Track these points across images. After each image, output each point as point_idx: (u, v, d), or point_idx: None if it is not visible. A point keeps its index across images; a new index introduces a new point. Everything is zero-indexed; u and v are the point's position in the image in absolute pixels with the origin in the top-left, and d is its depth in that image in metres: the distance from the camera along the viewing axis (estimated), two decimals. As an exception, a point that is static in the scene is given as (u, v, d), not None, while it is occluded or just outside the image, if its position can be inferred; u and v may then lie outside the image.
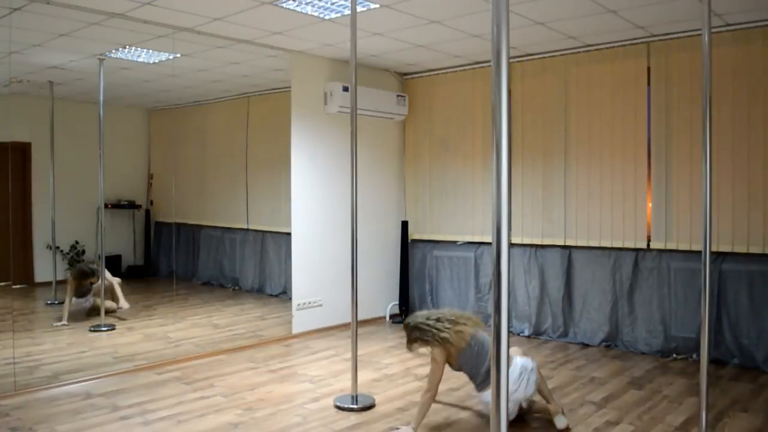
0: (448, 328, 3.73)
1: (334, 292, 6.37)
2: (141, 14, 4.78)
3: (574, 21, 4.99)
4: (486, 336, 3.83)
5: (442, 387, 4.51)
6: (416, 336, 3.81)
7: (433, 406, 4.14)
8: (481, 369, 3.75)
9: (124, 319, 6.26)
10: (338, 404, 4.16)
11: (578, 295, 5.90)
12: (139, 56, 5.95)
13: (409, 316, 4.00)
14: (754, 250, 4.97)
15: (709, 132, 3.07)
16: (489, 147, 6.17)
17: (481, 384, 3.78)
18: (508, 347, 1.50)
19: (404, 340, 4.01)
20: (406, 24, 5.09)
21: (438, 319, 3.78)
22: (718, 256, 5.07)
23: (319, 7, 4.70)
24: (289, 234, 6.21)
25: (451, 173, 6.82)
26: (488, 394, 3.68)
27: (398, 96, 6.89)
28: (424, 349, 3.89)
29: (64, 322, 6.02)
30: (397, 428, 3.73)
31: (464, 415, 4.02)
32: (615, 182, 5.67)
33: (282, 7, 4.64)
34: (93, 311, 6.22)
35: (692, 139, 5.22)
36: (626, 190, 5.62)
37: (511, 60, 5.90)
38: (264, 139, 7.38)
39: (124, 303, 6.24)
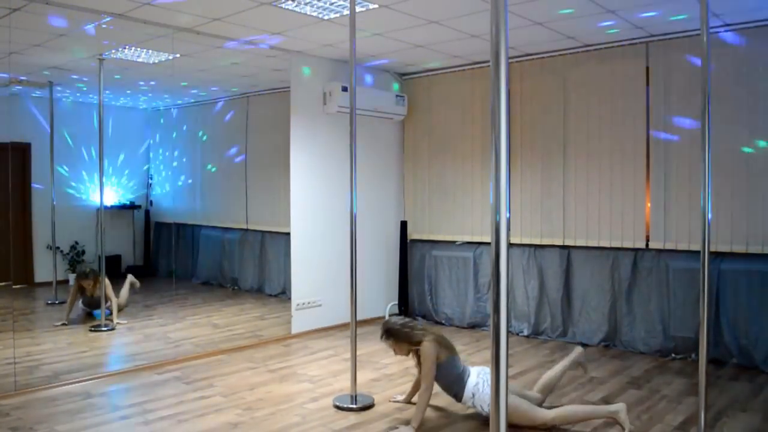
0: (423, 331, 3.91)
1: (333, 292, 6.37)
2: (141, 14, 4.79)
3: (573, 21, 5.00)
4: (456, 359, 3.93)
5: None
6: (397, 337, 3.91)
7: (432, 405, 4.15)
8: (457, 384, 3.83)
9: (123, 323, 6.27)
10: (337, 404, 4.17)
11: (577, 295, 5.91)
12: (138, 56, 5.96)
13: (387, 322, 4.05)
14: (753, 250, 4.98)
15: (708, 131, 3.08)
16: (488, 147, 6.15)
17: (457, 394, 3.86)
18: (507, 347, 1.51)
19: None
20: (405, 24, 5.09)
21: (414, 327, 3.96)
22: (717, 256, 5.08)
23: (318, 8, 4.70)
24: (288, 234, 6.22)
25: (451, 173, 6.83)
26: (475, 398, 3.79)
27: (397, 96, 6.90)
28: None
29: (64, 321, 6.03)
30: (396, 428, 3.74)
31: (464, 415, 4.03)
32: (614, 182, 5.68)
33: (281, 7, 4.65)
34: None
35: (691, 139, 5.23)
36: (625, 190, 5.62)
37: (510, 60, 5.92)
38: (263, 139, 7.39)
39: (115, 317, 6.20)
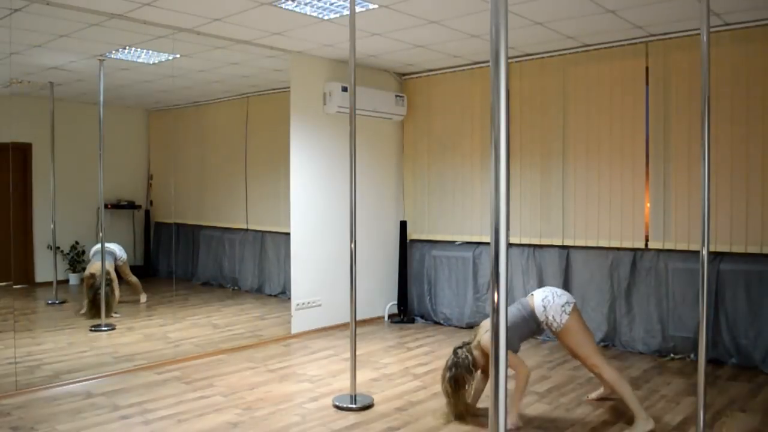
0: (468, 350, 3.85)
1: (333, 292, 6.38)
2: (141, 15, 4.79)
3: (572, 21, 5.01)
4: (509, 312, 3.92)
5: (440, 387, 4.54)
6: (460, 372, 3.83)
7: (433, 406, 4.16)
8: (531, 320, 3.86)
9: (116, 315, 6.32)
10: (337, 404, 4.17)
11: (576, 295, 5.88)
12: (138, 57, 5.97)
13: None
14: (752, 250, 4.98)
15: (708, 132, 3.08)
16: (488, 147, 6.17)
17: (539, 326, 3.89)
18: (507, 348, 1.52)
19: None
20: (404, 24, 5.10)
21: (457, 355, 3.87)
22: (716, 256, 5.09)
23: (318, 8, 4.71)
24: (288, 234, 6.22)
25: (450, 173, 6.84)
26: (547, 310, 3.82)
27: (397, 96, 6.91)
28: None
29: (83, 312, 6.12)
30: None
31: (463, 414, 4.03)
32: (613, 182, 5.69)
33: (281, 7, 4.65)
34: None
35: (690, 139, 5.23)
36: (624, 190, 5.63)
37: (509, 60, 5.92)
38: (263, 140, 7.40)
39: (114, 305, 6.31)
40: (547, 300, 3.82)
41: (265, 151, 7.38)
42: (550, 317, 3.79)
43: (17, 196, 6.05)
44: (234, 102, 7.67)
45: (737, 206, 5.04)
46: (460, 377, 3.77)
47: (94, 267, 6.24)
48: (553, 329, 3.82)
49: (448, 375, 3.81)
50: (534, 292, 3.98)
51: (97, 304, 6.14)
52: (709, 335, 4.70)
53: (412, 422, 3.87)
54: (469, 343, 3.88)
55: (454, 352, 3.88)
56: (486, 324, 3.88)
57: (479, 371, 3.90)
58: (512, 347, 3.86)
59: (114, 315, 6.25)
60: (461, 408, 3.87)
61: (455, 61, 6.49)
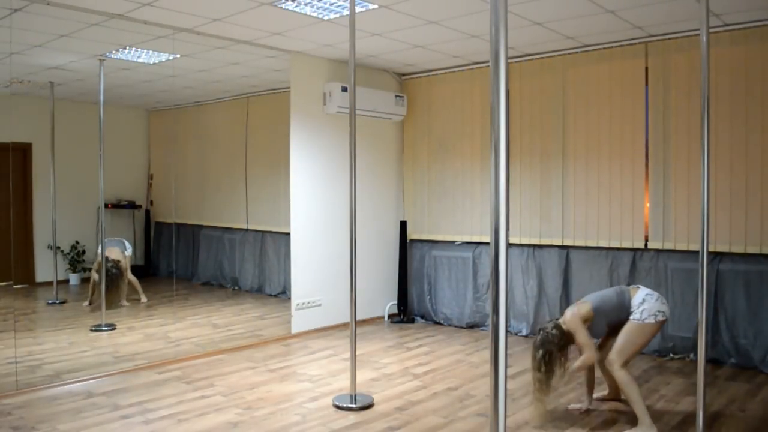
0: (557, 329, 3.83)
1: (333, 292, 6.39)
2: (141, 15, 4.80)
3: (572, 21, 5.01)
4: (603, 293, 3.96)
5: (440, 386, 4.55)
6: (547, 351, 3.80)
7: (431, 404, 4.17)
8: (620, 309, 3.85)
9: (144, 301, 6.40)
10: (337, 403, 4.18)
11: (576, 295, 5.90)
12: (139, 57, 5.97)
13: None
14: (751, 250, 4.99)
15: (707, 132, 3.09)
16: (487, 147, 6.19)
17: (624, 316, 3.86)
18: (506, 347, 1.52)
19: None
20: (404, 24, 5.11)
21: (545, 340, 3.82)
22: (716, 256, 5.10)
23: (318, 8, 4.72)
24: (288, 234, 6.23)
25: (450, 173, 6.84)
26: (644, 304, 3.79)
27: (397, 96, 6.91)
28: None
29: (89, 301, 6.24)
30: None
31: (463, 414, 4.04)
32: (613, 182, 5.69)
33: (281, 7, 4.66)
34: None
35: (690, 139, 5.24)
36: (624, 190, 5.64)
37: (509, 60, 5.93)
38: (263, 140, 7.41)
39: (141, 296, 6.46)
40: (650, 297, 3.79)
41: (265, 151, 7.39)
42: (640, 309, 3.76)
43: (17, 196, 6.06)
44: (234, 102, 7.68)
45: (737, 206, 5.05)
46: (551, 354, 3.73)
47: (107, 253, 6.33)
48: (630, 318, 3.79)
49: (538, 354, 3.74)
50: (639, 286, 3.96)
51: (110, 291, 6.18)
52: (708, 335, 4.72)
53: (412, 422, 3.88)
54: (557, 319, 3.90)
55: (542, 329, 3.85)
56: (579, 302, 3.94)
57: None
58: (596, 333, 3.89)
59: (123, 304, 6.30)
60: (549, 392, 3.82)
61: (455, 61, 6.50)
